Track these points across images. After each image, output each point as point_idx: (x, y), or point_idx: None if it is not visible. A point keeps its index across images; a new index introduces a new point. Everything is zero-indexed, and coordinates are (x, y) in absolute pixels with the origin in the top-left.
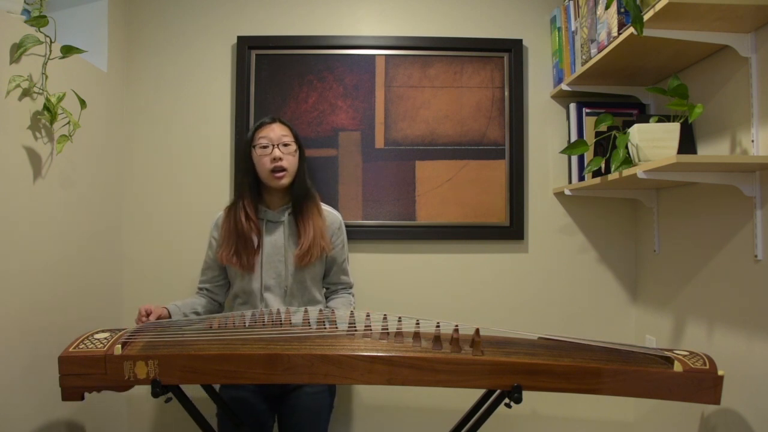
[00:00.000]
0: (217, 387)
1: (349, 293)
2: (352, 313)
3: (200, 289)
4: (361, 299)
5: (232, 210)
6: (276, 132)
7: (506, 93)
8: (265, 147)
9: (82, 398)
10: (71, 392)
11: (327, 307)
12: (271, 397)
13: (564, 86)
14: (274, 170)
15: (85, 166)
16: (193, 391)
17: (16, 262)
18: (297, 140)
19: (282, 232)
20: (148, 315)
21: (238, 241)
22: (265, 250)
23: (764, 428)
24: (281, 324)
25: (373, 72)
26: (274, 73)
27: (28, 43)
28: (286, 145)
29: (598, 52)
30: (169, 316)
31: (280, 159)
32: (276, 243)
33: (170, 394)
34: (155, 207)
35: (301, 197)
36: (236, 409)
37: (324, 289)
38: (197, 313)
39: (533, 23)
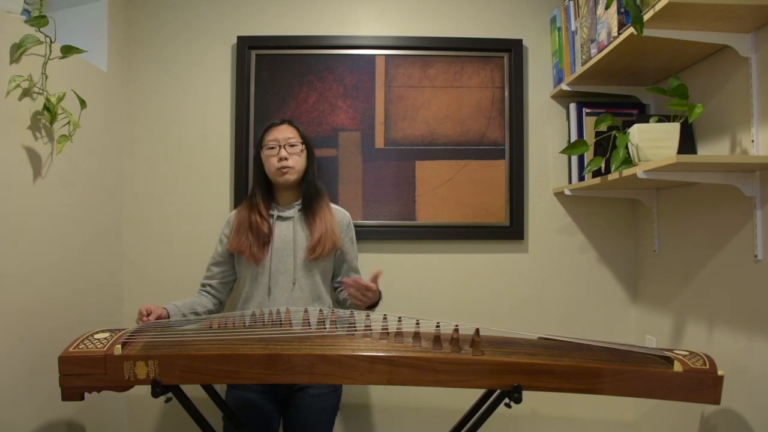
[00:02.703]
0: (217, 387)
1: None
2: (351, 312)
3: (203, 286)
4: None
5: (244, 208)
6: (283, 133)
7: (506, 93)
8: (272, 148)
9: (82, 398)
10: (71, 392)
11: (338, 305)
12: (279, 397)
13: (564, 86)
14: (280, 168)
15: (85, 166)
16: (194, 391)
17: (16, 262)
18: (305, 141)
19: (291, 226)
20: (148, 315)
21: (250, 232)
22: (274, 244)
23: (764, 428)
24: (281, 324)
25: (373, 72)
26: (274, 73)
27: (28, 43)
28: (292, 145)
29: (598, 52)
30: (168, 317)
31: (286, 158)
32: (285, 237)
33: (170, 394)
34: (155, 207)
35: (310, 195)
36: (243, 409)
37: (334, 289)
38: (196, 314)
39: (533, 23)
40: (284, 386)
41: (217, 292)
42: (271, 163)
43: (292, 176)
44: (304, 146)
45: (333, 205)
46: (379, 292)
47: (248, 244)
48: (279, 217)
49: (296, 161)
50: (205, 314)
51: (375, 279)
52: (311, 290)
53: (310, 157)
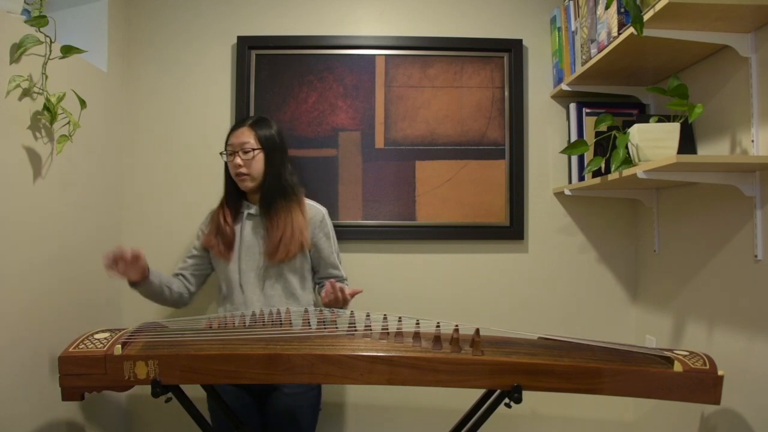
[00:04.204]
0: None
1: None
2: (352, 312)
3: (176, 274)
4: (361, 299)
5: (218, 207)
6: (239, 138)
7: (506, 93)
8: (230, 154)
9: (82, 398)
10: (71, 392)
11: (318, 305)
12: (257, 393)
13: (564, 86)
14: (237, 175)
15: (85, 166)
16: (194, 391)
17: (16, 262)
18: (264, 143)
19: (259, 225)
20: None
21: (218, 231)
22: (244, 242)
23: (764, 428)
24: (281, 324)
25: (373, 72)
26: (274, 73)
27: (28, 43)
28: (246, 151)
29: (598, 52)
30: (148, 275)
31: (240, 166)
32: (255, 235)
33: (170, 394)
34: (155, 207)
35: (270, 196)
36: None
37: (316, 285)
38: (169, 288)
39: (533, 23)
40: (258, 384)
41: (188, 282)
42: (230, 168)
43: (249, 183)
44: (258, 151)
45: (308, 201)
46: (346, 304)
47: (216, 242)
48: (249, 215)
49: (252, 168)
50: (174, 297)
51: (350, 293)
52: (283, 288)
53: (270, 159)
